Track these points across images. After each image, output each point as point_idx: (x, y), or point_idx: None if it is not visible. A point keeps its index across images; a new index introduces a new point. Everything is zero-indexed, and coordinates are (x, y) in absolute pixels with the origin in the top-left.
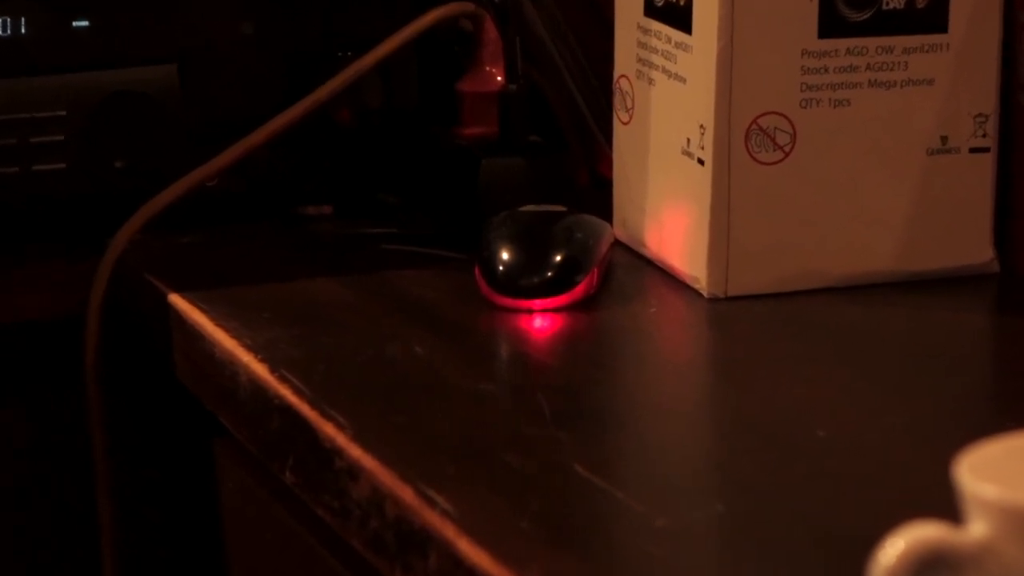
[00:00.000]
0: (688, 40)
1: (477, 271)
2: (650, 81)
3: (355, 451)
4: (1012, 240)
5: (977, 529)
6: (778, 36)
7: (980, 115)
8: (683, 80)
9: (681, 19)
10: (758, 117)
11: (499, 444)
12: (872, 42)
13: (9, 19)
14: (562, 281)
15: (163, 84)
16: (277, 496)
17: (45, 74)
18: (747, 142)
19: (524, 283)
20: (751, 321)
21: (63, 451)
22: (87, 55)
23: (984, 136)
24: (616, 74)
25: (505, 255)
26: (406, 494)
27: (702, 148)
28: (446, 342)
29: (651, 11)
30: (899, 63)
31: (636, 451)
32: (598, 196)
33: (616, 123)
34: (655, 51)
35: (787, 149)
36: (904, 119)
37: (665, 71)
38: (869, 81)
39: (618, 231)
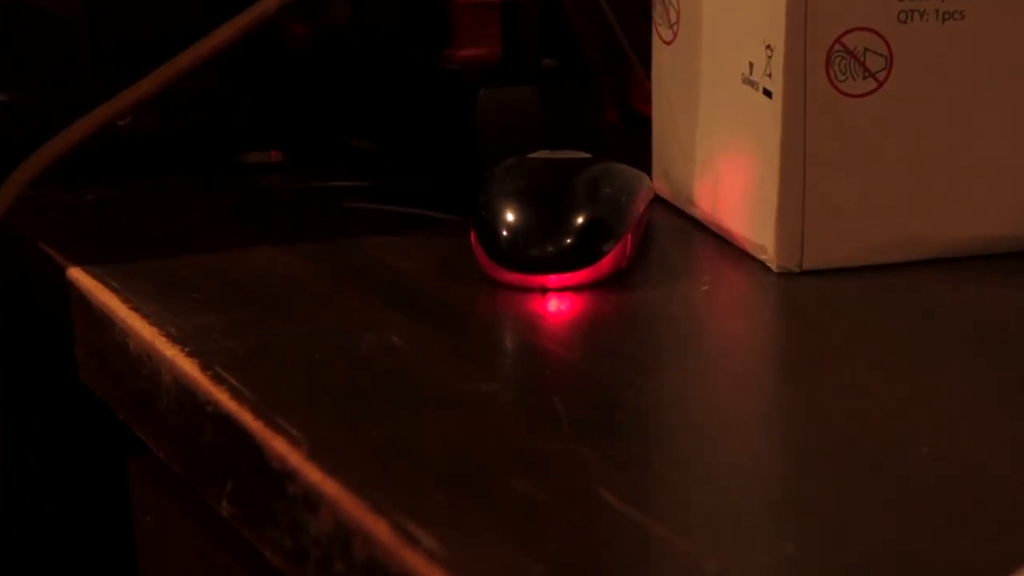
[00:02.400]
0: None
1: (474, 238)
2: None
3: (313, 474)
4: None
5: None
6: None
7: None
8: None
9: None
10: (843, 35)
11: (502, 464)
12: None
13: None
14: (585, 251)
15: None
16: (210, 531)
17: None
18: (828, 67)
19: (535, 253)
20: (833, 303)
21: None
22: None
23: None
24: None
25: (510, 216)
26: (380, 530)
27: (769, 75)
28: (433, 331)
29: None
30: None
31: (680, 473)
32: (632, 139)
33: (656, 42)
34: None
35: (881, 77)
36: None
37: None
38: None
39: (658, 184)
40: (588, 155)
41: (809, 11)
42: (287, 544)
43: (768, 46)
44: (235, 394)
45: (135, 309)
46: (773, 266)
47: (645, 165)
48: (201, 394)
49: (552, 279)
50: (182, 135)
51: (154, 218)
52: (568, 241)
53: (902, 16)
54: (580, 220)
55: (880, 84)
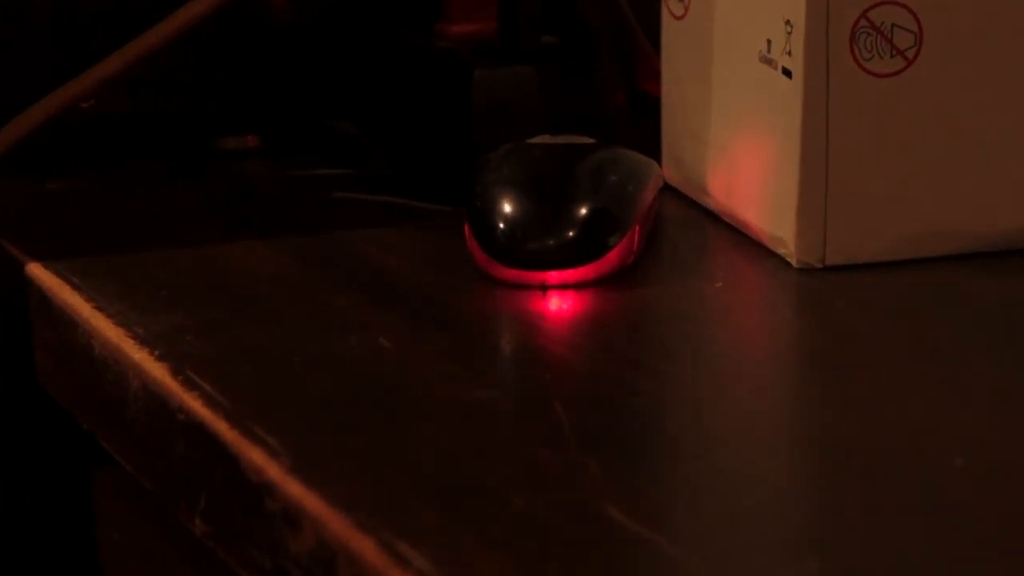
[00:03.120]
0: None
1: (468, 230)
2: None
3: (294, 488)
4: None
5: None
6: None
7: None
8: None
9: None
10: (868, 9)
11: (499, 477)
12: None
13: None
14: (588, 244)
15: None
16: (182, 551)
17: None
18: (853, 45)
19: (534, 247)
20: (857, 301)
21: None
22: None
23: None
24: None
25: (508, 207)
26: (366, 549)
27: (789, 54)
28: (424, 332)
29: None
30: None
31: (693, 487)
32: (640, 123)
33: (666, 17)
34: None
35: (910, 55)
36: None
37: None
38: None
39: (668, 172)
40: (592, 140)
41: None
42: (266, 564)
43: (787, 21)
44: (209, 401)
45: (100, 308)
46: (793, 261)
47: (654, 151)
48: (172, 401)
49: (553, 275)
50: (152, 119)
51: (121, 210)
52: (570, 234)
53: None
54: (583, 211)
55: (909, 63)
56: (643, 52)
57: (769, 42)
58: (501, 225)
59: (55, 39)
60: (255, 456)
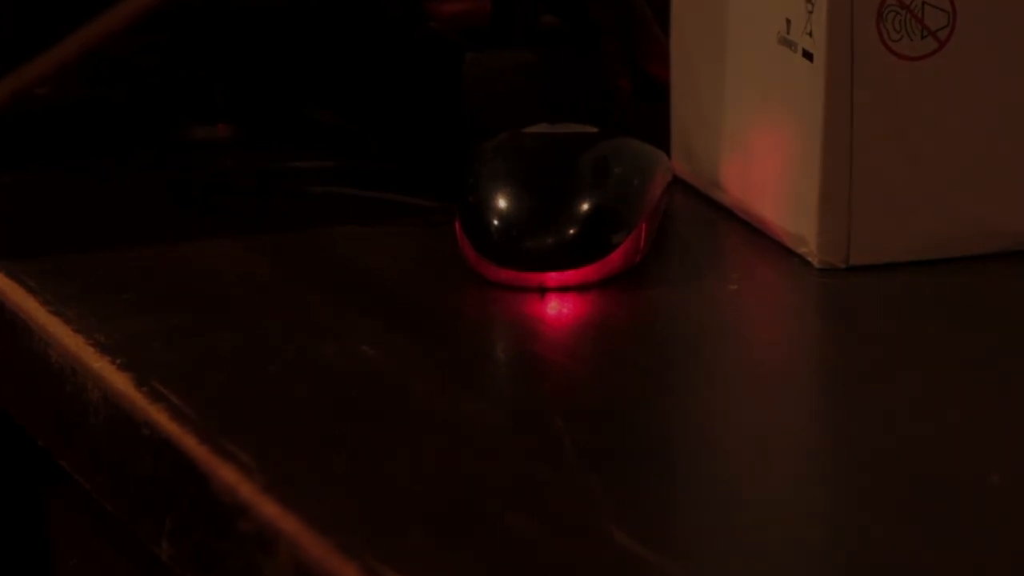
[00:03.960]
0: None
1: (460, 228)
2: None
3: (269, 508)
4: None
5: None
6: None
7: None
8: None
9: None
10: None
11: (494, 497)
12: None
13: None
14: (591, 243)
15: None
16: None
17: None
18: (880, 24)
19: (532, 246)
20: (884, 305)
21: None
22: None
23: None
24: None
25: (503, 203)
26: (348, 574)
27: (810, 34)
28: (411, 339)
29: None
30: None
31: (705, 508)
32: (647, 110)
33: None
34: None
35: (942, 36)
36: None
37: None
38: None
39: (678, 165)
40: (595, 129)
41: None
42: None
43: (809, 0)
44: (176, 414)
45: (57, 313)
46: (815, 261)
47: (662, 141)
48: (136, 414)
49: (551, 277)
50: (113, 107)
51: (79, 205)
52: (570, 232)
53: None
54: (585, 207)
55: (941, 44)
56: (651, 33)
57: (788, 22)
58: (495, 222)
59: (5, 20)
60: (226, 474)
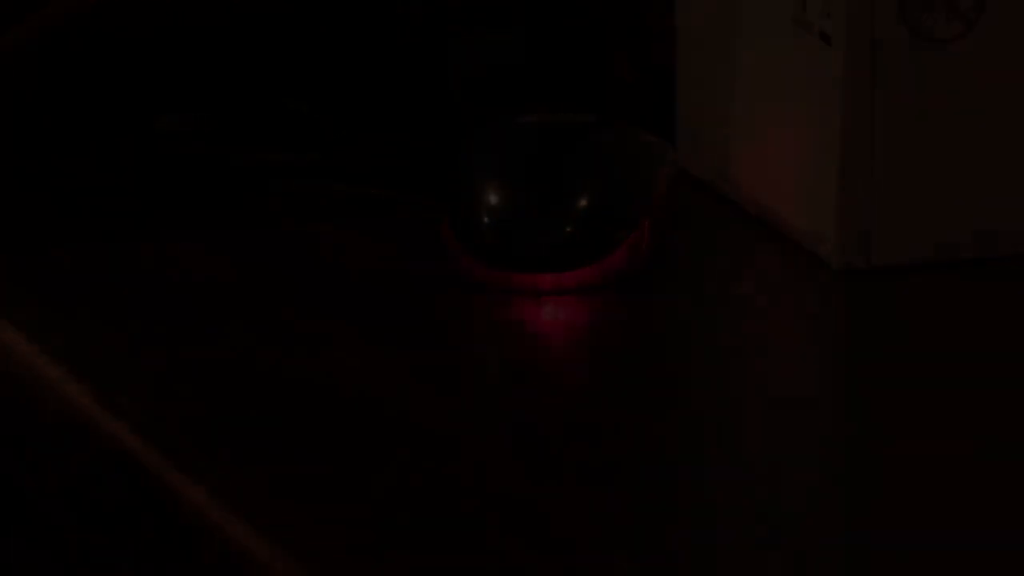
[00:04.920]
0: None
1: (447, 226)
2: None
3: (238, 531)
4: None
5: None
6: None
7: None
8: None
9: None
10: None
11: (483, 518)
12: None
13: None
14: (590, 243)
15: None
16: None
17: None
18: (903, 4)
19: (526, 246)
20: (907, 308)
21: None
22: None
23: None
24: None
25: (494, 198)
26: None
27: (828, 15)
28: (395, 347)
29: None
30: None
31: (715, 531)
32: (651, 97)
33: None
34: None
35: (971, 17)
36: None
37: None
38: None
39: (684, 156)
40: (593, 118)
41: None
42: None
43: None
44: (139, 431)
45: (8, 319)
46: (833, 262)
47: (667, 131)
48: (95, 431)
49: (547, 279)
50: (73, 95)
51: (36, 202)
52: (568, 230)
53: None
54: (583, 203)
55: (970, 26)
56: (655, 13)
57: (804, 0)
58: (486, 219)
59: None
60: (193, 496)
